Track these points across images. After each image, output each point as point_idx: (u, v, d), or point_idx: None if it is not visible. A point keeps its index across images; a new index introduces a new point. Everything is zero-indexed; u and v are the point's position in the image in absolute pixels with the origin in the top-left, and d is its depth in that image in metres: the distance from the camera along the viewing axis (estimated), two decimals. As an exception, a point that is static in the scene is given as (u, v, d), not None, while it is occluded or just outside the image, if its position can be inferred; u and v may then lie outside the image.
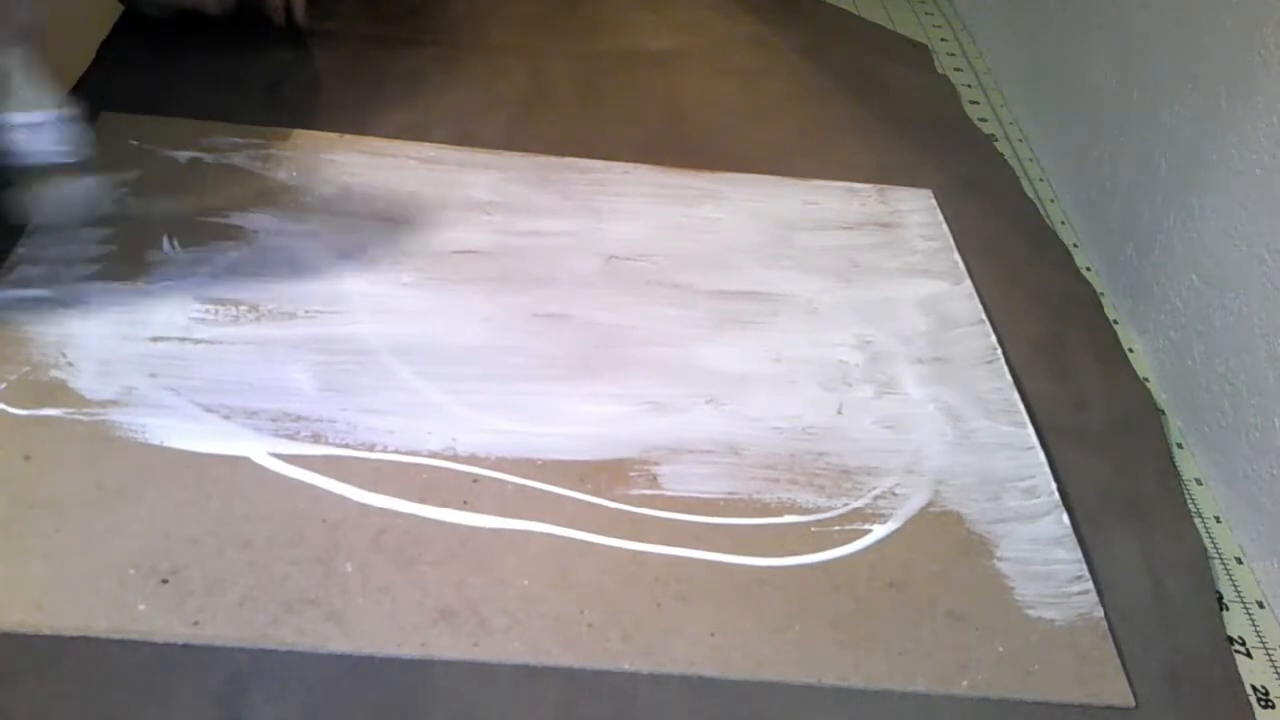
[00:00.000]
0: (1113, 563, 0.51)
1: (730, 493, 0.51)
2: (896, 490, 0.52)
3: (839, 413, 0.56)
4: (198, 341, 0.53)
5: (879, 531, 0.50)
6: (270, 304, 0.56)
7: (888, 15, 1.00)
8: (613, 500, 0.49)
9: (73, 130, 0.43)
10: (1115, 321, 0.68)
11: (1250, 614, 0.52)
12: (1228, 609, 0.52)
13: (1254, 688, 0.48)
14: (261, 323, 0.55)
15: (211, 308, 0.55)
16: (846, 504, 0.51)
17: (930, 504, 0.52)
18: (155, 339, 0.53)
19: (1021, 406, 0.58)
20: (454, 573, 0.45)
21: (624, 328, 0.59)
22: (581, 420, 0.53)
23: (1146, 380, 0.64)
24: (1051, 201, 0.78)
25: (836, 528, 0.50)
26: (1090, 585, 0.49)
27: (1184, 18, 0.66)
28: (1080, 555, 0.51)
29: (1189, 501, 0.57)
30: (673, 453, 0.52)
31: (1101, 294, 0.70)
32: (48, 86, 0.40)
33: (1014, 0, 0.92)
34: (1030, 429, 0.57)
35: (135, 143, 0.64)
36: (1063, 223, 0.76)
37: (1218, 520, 0.57)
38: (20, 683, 0.40)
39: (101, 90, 0.69)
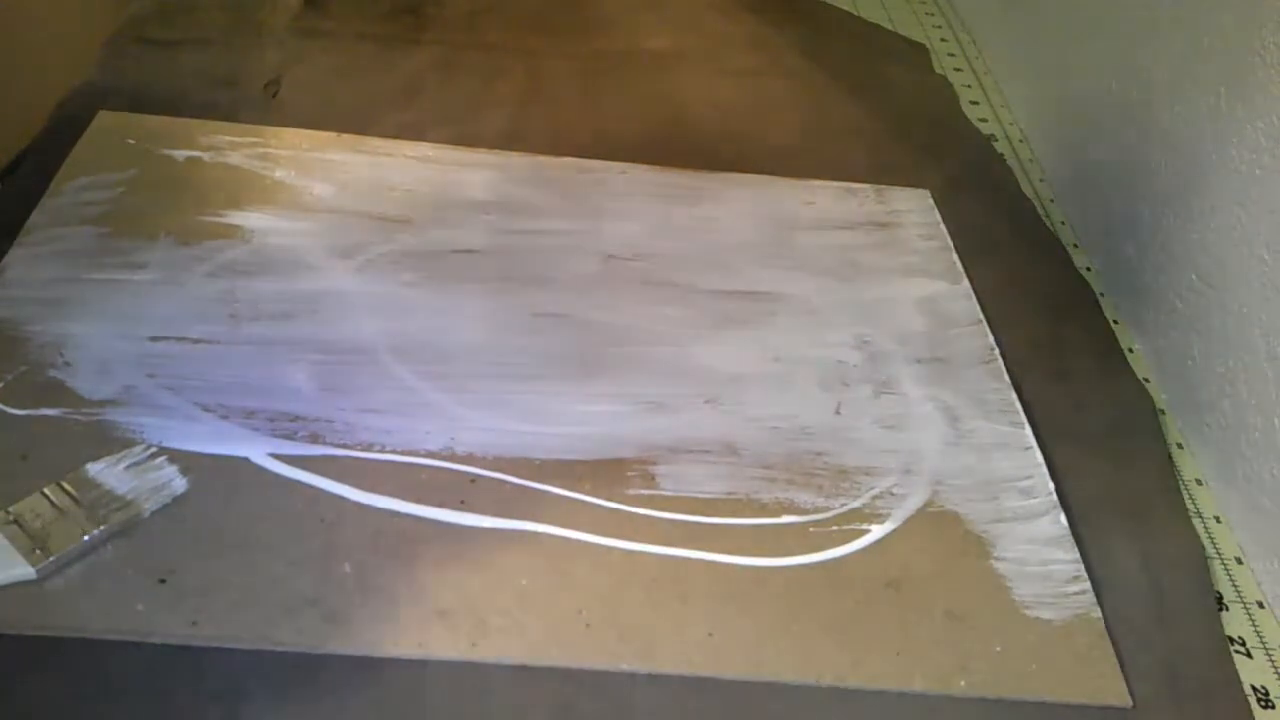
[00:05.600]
0: (1111, 563, 0.51)
1: (728, 493, 0.51)
2: (894, 490, 0.52)
3: (837, 413, 0.56)
4: (196, 341, 0.53)
5: (877, 531, 0.50)
6: (268, 303, 0.56)
7: (887, 15, 0.99)
8: (611, 500, 0.49)
9: None
10: (1115, 321, 0.68)
11: (1250, 614, 0.52)
12: (1227, 609, 0.52)
13: (1254, 688, 0.48)
14: (260, 322, 0.55)
15: (210, 307, 0.55)
16: (844, 504, 0.51)
17: (928, 504, 0.52)
18: (153, 338, 0.53)
19: (1019, 406, 0.58)
20: (452, 573, 0.45)
21: (622, 327, 0.59)
22: (580, 420, 0.53)
23: (1146, 380, 0.64)
24: (1051, 201, 0.78)
25: (834, 528, 0.50)
26: (1088, 585, 0.49)
27: (1184, 18, 0.66)
28: (1078, 555, 0.51)
29: (1189, 501, 0.57)
30: (671, 453, 0.52)
31: (1101, 294, 0.70)
32: None
33: (1014, 0, 0.92)
34: (1028, 429, 0.56)
35: (133, 142, 0.64)
36: (1063, 223, 0.76)
37: (1218, 520, 0.57)
38: (17, 683, 0.40)
39: (101, 90, 0.69)
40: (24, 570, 0.42)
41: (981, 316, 0.63)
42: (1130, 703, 0.45)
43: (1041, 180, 0.81)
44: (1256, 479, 0.55)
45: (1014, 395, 0.58)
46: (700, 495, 0.50)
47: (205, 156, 0.65)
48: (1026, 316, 0.65)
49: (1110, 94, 0.73)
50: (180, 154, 0.64)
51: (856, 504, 0.51)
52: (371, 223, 0.62)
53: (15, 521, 0.43)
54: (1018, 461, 0.55)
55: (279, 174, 0.64)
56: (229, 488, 0.47)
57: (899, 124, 0.80)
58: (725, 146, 0.74)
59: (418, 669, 0.42)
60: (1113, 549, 0.52)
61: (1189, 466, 0.59)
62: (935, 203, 0.72)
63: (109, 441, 0.47)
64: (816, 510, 0.51)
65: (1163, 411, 0.62)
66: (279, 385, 0.52)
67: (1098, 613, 0.48)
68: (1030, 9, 0.89)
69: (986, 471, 0.54)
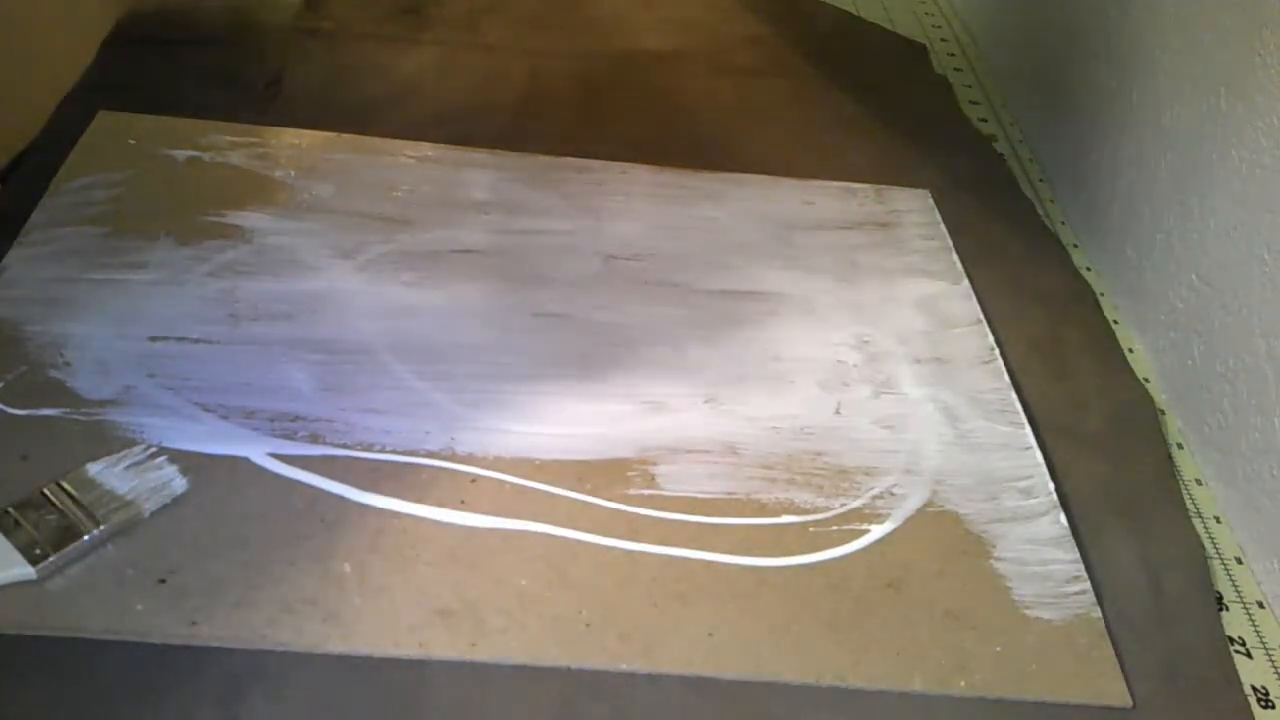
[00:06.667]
0: (1111, 563, 0.51)
1: (728, 493, 0.51)
2: (894, 490, 0.52)
3: (837, 412, 0.56)
4: (196, 341, 0.53)
5: (877, 531, 0.50)
6: (268, 303, 0.56)
7: (887, 15, 0.99)
8: (611, 500, 0.49)
9: None
10: (1115, 321, 0.68)
11: (1250, 614, 0.52)
12: (1227, 609, 0.52)
13: (1254, 688, 0.48)
14: (259, 322, 0.55)
15: (210, 307, 0.55)
16: (844, 504, 0.51)
17: (928, 504, 0.52)
18: (153, 338, 0.53)
19: (1019, 406, 0.58)
20: (452, 573, 0.45)
21: (622, 327, 0.59)
22: (580, 420, 0.53)
23: (1146, 380, 0.64)
24: (1051, 201, 0.78)
25: (834, 528, 0.50)
26: (1088, 585, 0.49)
27: (1184, 18, 0.66)
28: (1078, 555, 0.51)
29: (1189, 501, 0.57)
30: (671, 453, 0.52)
31: (1101, 294, 0.70)
32: None
33: (1014, 0, 0.92)
34: (1028, 429, 0.56)
35: (133, 142, 0.64)
36: (1063, 223, 0.76)
37: (1218, 520, 0.57)
38: (16, 684, 0.40)
39: (101, 89, 0.69)
40: (24, 570, 0.42)
41: (981, 316, 0.64)
42: (1130, 703, 0.45)
43: (1041, 180, 0.81)
44: (1256, 479, 0.55)
45: (1014, 395, 0.58)
46: (700, 495, 0.50)
47: (205, 156, 0.65)
48: (1026, 316, 0.65)
49: (1110, 94, 0.73)
50: (180, 154, 0.64)
51: (856, 504, 0.51)
52: (371, 223, 0.62)
53: (15, 521, 0.43)
54: (1018, 461, 0.55)
55: (279, 174, 0.64)
56: (229, 488, 0.47)
57: (899, 124, 0.80)
58: (725, 146, 0.74)
59: (418, 669, 0.42)
60: (1113, 549, 0.52)
61: (1189, 466, 0.59)
62: (935, 203, 0.72)
63: (109, 441, 0.47)
64: (816, 510, 0.51)
65: (1163, 411, 0.62)
66: (279, 385, 0.52)
67: (1098, 613, 0.48)
68: (1030, 9, 0.89)
69: (986, 471, 0.54)
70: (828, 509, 0.51)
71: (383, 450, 0.50)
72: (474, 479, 0.49)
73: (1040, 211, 0.76)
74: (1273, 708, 0.47)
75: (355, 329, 0.55)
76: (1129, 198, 0.70)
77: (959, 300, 0.65)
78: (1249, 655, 0.49)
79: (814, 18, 0.95)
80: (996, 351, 0.61)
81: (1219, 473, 0.58)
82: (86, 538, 0.43)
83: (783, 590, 0.47)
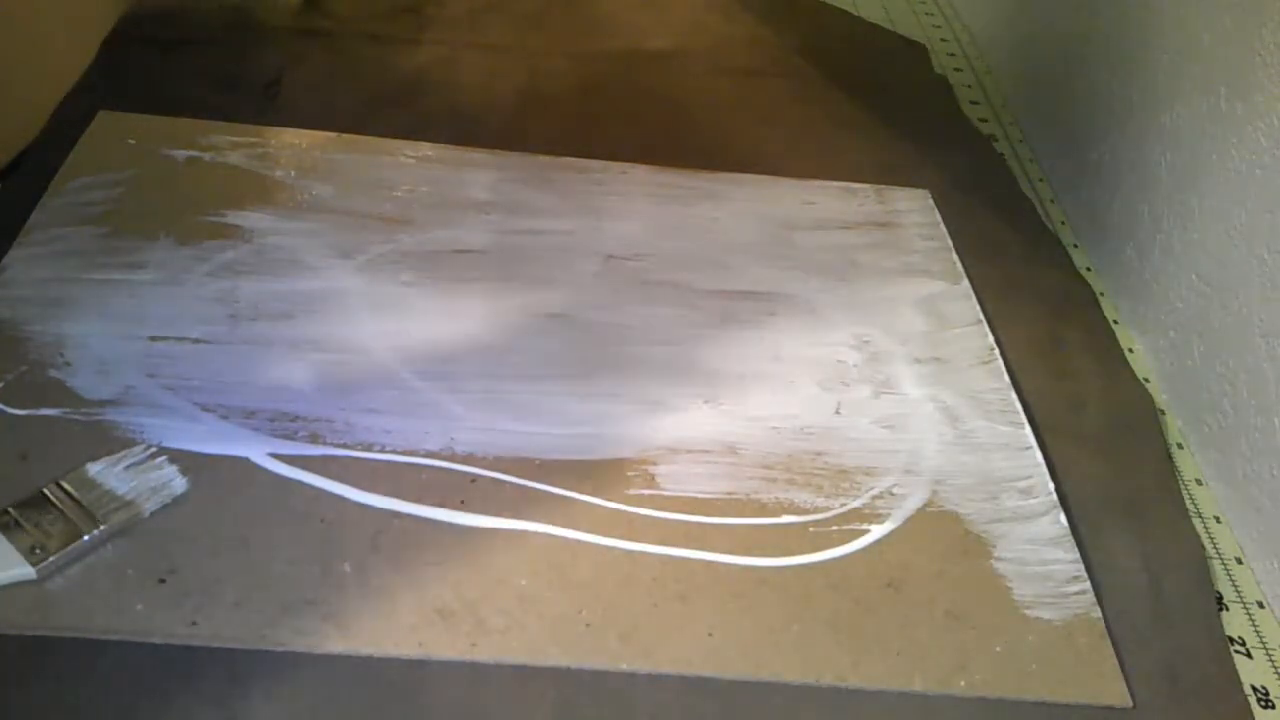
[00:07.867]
0: (1111, 563, 0.51)
1: (728, 493, 0.51)
2: (894, 490, 0.52)
3: (837, 412, 0.56)
4: (196, 341, 0.53)
5: (877, 531, 0.50)
6: (268, 303, 0.56)
7: (887, 15, 1.00)
8: (611, 500, 0.49)
9: None
10: (1115, 321, 0.68)
11: (1250, 614, 0.52)
12: (1227, 609, 0.52)
13: (1254, 688, 0.48)
14: (259, 322, 0.55)
15: (210, 307, 0.55)
16: (844, 504, 0.51)
17: (928, 504, 0.52)
18: (153, 338, 0.53)
19: (1019, 406, 0.58)
20: (451, 573, 0.45)
21: (622, 327, 0.59)
22: (580, 420, 0.53)
23: (1146, 380, 0.64)
24: (1051, 201, 0.78)
25: (834, 528, 0.50)
26: (1088, 585, 0.49)
27: (1184, 18, 0.66)
28: (1078, 555, 0.51)
29: (1189, 501, 0.57)
30: (671, 452, 0.52)
31: (1101, 294, 0.70)
32: None
33: (1014, 1, 0.92)
34: (1028, 429, 0.56)
35: (133, 142, 0.64)
36: (1063, 223, 0.76)
37: (1218, 520, 0.57)
38: (16, 684, 0.40)
39: (101, 90, 0.69)
40: (24, 570, 0.42)
41: (981, 316, 0.64)
42: (1130, 703, 0.45)
43: (1041, 180, 0.81)
44: (1256, 479, 0.55)
45: (1014, 395, 0.58)
46: (700, 495, 0.50)
47: (205, 156, 0.65)
48: (1026, 316, 0.65)
49: (1110, 94, 0.73)
50: (180, 154, 0.64)
51: (856, 504, 0.51)
52: (371, 223, 0.62)
53: (15, 521, 0.43)
54: (1018, 461, 0.55)
55: (279, 174, 0.64)
56: (229, 488, 0.47)
57: (899, 124, 0.80)
58: (725, 146, 0.74)
59: (418, 669, 0.42)
60: (1113, 549, 0.52)
61: (1189, 466, 0.59)
62: (935, 203, 0.72)
63: (109, 441, 0.47)
64: (816, 510, 0.51)
65: (1163, 411, 0.62)
66: (279, 385, 0.52)
67: (1098, 613, 0.48)
68: (1030, 9, 0.89)
69: (986, 471, 0.54)
70: (828, 509, 0.51)
71: (383, 450, 0.50)
72: (474, 479, 0.49)
73: (1040, 211, 0.76)
74: (1273, 708, 0.47)
75: (355, 329, 0.55)
76: (1129, 198, 0.70)
77: (959, 300, 0.65)
78: (1249, 655, 0.49)
79: (814, 17, 0.95)
80: (996, 351, 0.61)
81: (1219, 473, 0.58)
82: (86, 538, 0.43)
83: (783, 590, 0.47)
